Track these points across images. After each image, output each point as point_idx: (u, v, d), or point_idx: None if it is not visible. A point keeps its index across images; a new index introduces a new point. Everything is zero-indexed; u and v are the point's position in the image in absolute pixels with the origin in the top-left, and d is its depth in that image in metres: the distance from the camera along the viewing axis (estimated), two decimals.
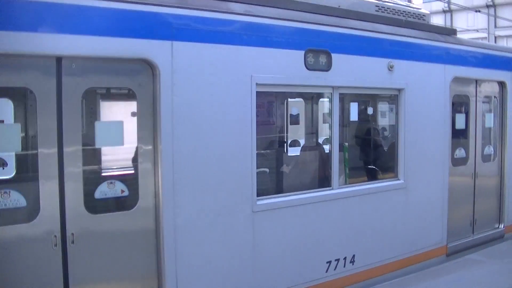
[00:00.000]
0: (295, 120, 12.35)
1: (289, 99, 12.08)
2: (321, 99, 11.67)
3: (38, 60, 6.45)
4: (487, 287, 9.38)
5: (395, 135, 10.49)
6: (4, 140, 6.43)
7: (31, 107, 6.88)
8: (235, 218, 7.85)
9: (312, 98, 11.91)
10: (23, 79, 6.40)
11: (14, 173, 7.28)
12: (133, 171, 7.38)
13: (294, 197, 8.67)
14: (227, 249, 7.79)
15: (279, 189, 9.42)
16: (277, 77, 8.29)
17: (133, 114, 7.22)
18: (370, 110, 12.34)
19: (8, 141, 6.47)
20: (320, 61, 8.77)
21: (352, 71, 9.30)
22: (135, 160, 7.27)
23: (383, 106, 12.81)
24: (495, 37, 37.78)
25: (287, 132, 12.24)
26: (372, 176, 11.12)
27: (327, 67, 8.86)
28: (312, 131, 12.24)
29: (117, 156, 8.06)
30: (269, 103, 11.54)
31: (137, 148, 7.17)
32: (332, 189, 9.17)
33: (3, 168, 7.08)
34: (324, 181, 9.57)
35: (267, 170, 9.34)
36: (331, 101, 9.20)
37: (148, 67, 7.06)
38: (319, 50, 8.75)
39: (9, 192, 6.33)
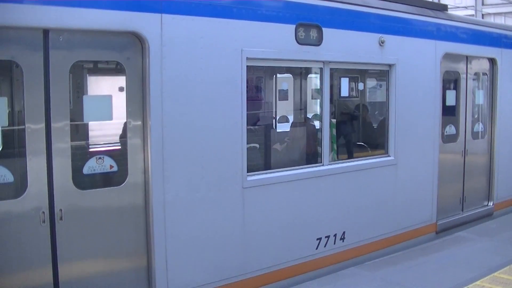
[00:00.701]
0: (283, 96, 12.25)
1: (278, 75, 11.97)
2: (309, 75, 11.54)
3: (25, 32, 6.27)
4: (477, 264, 9.31)
5: (385, 112, 10.42)
6: None
7: (17, 81, 6.72)
8: (225, 194, 7.76)
9: (301, 74, 11.78)
10: (9, 52, 6.22)
11: (0, 149, 7.09)
12: (122, 147, 7.27)
13: (285, 173, 8.59)
14: (217, 225, 7.71)
15: (268, 165, 9.35)
16: (267, 51, 8.17)
17: (121, 88, 7.08)
18: (360, 86, 12.24)
19: None
20: (311, 36, 8.66)
21: (343, 46, 9.20)
22: (124, 135, 7.15)
23: (371, 83, 12.78)
24: (483, 15, 37.70)
25: (275, 108, 12.15)
26: (360, 152, 11.04)
27: (318, 41, 8.74)
28: (301, 107, 12.11)
29: (105, 131, 7.94)
30: (257, 79, 11.43)
31: (126, 123, 7.03)
32: (323, 165, 9.10)
33: None
34: (314, 158, 9.52)
35: (257, 145, 9.23)
36: (321, 76, 9.09)
37: (137, 40, 6.91)
38: (310, 24, 8.63)
39: None
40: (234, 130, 7.80)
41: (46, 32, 6.33)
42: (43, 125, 6.36)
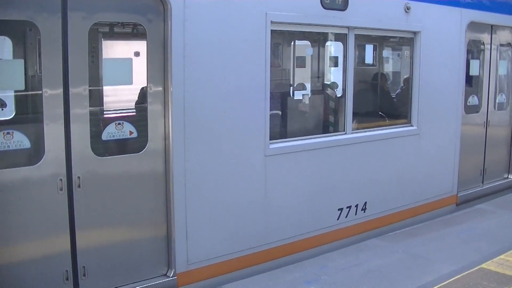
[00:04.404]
0: (301, 63, 11.99)
1: (296, 41, 11.70)
2: (328, 43, 11.28)
3: None
4: (500, 238, 9.16)
5: (406, 80, 10.23)
6: (4, 77, 6.02)
7: (31, 45, 6.55)
8: (247, 162, 7.61)
9: (319, 41, 11.51)
10: (26, 12, 5.95)
11: (13, 114, 6.86)
12: (142, 112, 7.03)
13: (308, 141, 8.43)
14: (238, 194, 7.57)
15: (289, 133, 9.13)
16: (292, 15, 7.95)
17: (141, 52, 6.84)
18: (382, 54, 11.98)
19: (8, 79, 6.07)
20: (337, 0, 8.42)
21: (369, 11, 8.97)
22: (144, 100, 6.92)
23: (389, 52, 12.52)
24: None
25: (293, 75, 11.92)
26: (378, 122, 10.82)
27: (344, 6, 8.53)
28: (319, 74, 11.87)
29: (125, 97, 7.72)
30: (275, 45, 11.18)
31: (146, 88, 6.81)
32: (346, 133, 8.93)
33: (1, 109, 6.69)
34: (332, 126, 9.38)
35: (279, 112, 9.00)
36: (346, 42, 8.86)
37: (159, 1, 6.67)
38: None
39: (12, 133, 5.97)
40: (257, 96, 7.60)
41: None
42: (61, 89, 6.13)
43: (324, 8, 8.24)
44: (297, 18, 8.02)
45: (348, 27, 8.75)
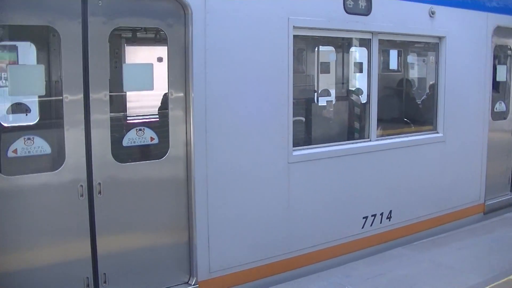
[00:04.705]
0: (325, 68, 11.88)
1: (320, 47, 11.60)
2: (352, 48, 11.16)
3: None
4: None
5: (432, 86, 10.08)
6: (26, 83, 5.98)
7: (54, 50, 6.49)
8: (270, 169, 7.51)
9: (343, 46, 11.39)
10: (46, 17, 5.92)
11: (37, 120, 6.83)
12: (163, 118, 6.97)
13: (332, 148, 8.32)
14: (261, 201, 7.47)
15: (313, 140, 9.05)
16: (315, 20, 7.85)
17: (162, 58, 6.78)
18: (407, 59, 11.83)
19: (31, 84, 6.01)
20: (360, 5, 8.35)
21: (393, 16, 8.86)
22: (165, 106, 6.87)
23: (414, 57, 12.36)
24: None
25: (317, 81, 11.80)
26: (403, 128, 10.67)
27: (367, 11, 8.43)
28: (343, 80, 11.75)
29: (146, 102, 7.67)
30: (299, 51, 11.08)
31: (167, 93, 6.75)
32: (370, 140, 8.80)
33: (26, 115, 6.71)
34: (357, 133, 9.25)
35: (303, 119, 8.89)
36: (370, 47, 8.76)
37: (179, 6, 6.62)
38: None
39: (33, 138, 5.95)
40: (280, 102, 7.51)
41: None
42: (81, 95, 6.09)
43: (347, 13, 8.14)
44: (320, 23, 7.92)
45: (371, 32, 8.64)
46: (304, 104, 9.81)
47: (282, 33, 7.44)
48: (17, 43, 6.95)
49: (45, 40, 6.79)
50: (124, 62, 7.60)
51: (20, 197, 5.90)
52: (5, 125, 6.40)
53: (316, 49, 11.53)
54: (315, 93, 11.29)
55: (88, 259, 6.31)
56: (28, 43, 6.95)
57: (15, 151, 5.86)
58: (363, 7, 8.35)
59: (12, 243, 5.92)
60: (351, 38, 9.84)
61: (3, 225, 5.84)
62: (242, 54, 7.10)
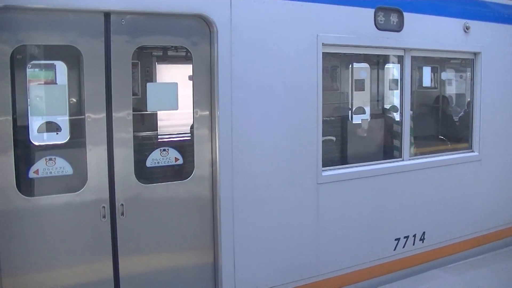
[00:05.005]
0: (360, 86, 11.71)
1: (354, 64, 11.44)
2: (387, 65, 10.98)
3: (85, 15, 5.94)
4: None
5: (469, 103, 9.82)
6: (53, 102, 6.00)
7: (77, 68, 6.50)
8: (298, 190, 7.35)
9: (378, 63, 11.22)
10: (68, 37, 5.90)
11: (68, 138, 6.75)
12: (188, 138, 6.89)
13: (362, 168, 8.14)
14: (289, 223, 7.31)
15: (343, 160, 8.84)
16: (344, 37, 7.69)
17: (187, 76, 6.69)
18: (444, 76, 11.58)
19: (55, 104, 6.03)
20: (391, 21, 8.17)
21: (426, 32, 8.65)
22: (190, 126, 6.78)
23: (451, 74, 12.10)
24: None
25: (352, 99, 11.62)
26: (440, 146, 10.42)
27: (399, 27, 8.23)
28: (378, 98, 11.56)
29: (171, 122, 7.59)
30: (332, 68, 10.94)
31: (192, 113, 6.64)
32: (403, 160, 8.60)
33: (57, 133, 6.65)
34: (392, 152, 9.01)
35: (333, 138, 8.71)
36: (402, 64, 8.59)
37: (204, 24, 6.53)
38: (390, 8, 8.13)
39: (54, 159, 5.92)
40: (308, 121, 7.36)
41: (107, 15, 6.02)
42: (103, 114, 6.04)
43: (378, 29, 7.96)
44: (350, 40, 7.76)
45: (404, 49, 8.47)
46: (338, 122, 9.65)
47: (310, 50, 7.30)
48: (56, 62, 6.97)
49: (76, 59, 6.75)
50: (151, 79, 7.51)
51: (41, 218, 5.85)
52: (36, 143, 6.37)
53: (350, 66, 11.40)
54: (350, 111, 11.16)
55: (110, 281, 6.25)
56: (59, 62, 6.96)
57: (36, 171, 5.83)
58: (394, 23, 8.17)
59: (33, 265, 5.87)
60: (387, 55, 9.63)
61: (24, 246, 5.80)
62: (269, 72, 6.98)
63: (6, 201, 5.70)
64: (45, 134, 6.53)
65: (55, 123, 6.63)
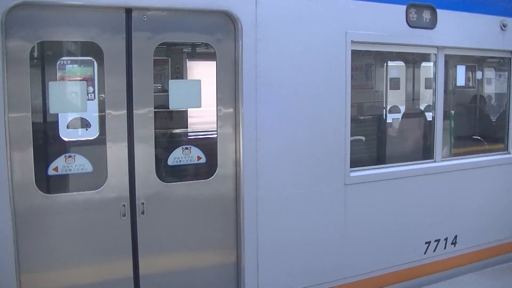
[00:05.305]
0: (395, 84, 11.50)
1: (389, 62, 11.23)
2: (423, 63, 10.75)
3: (106, 12, 5.88)
4: None
5: (506, 103, 9.60)
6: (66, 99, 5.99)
7: (98, 65, 6.49)
8: (324, 191, 7.20)
9: (414, 62, 11.00)
10: (89, 33, 5.84)
11: (97, 134, 6.69)
12: (211, 136, 6.77)
13: (392, 169, 7.95)
14: (315, 225, 7.17)
15: (387, 159, 8.75)
16: (374, 35, 7.50)
17: (211, 73, 6.58)
18: (479, 75, 11.30)
19: (70, 101, 6.03)
20: (424, 18, 7.94)
21: (460, 29, 8.41)
22: (213, 124, 6.64)
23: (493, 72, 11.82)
24: None
25: (386, 98, 11.42)
26: (477, 147, 10.15)
27: (432, 24, 8.01)
28: (414, 97, 11.33)
29: (193, 120, 7.49)
30: (366, 66, 10.76)
31: (216, 110, 6.53)
32: (435, 161, 8.40)
33: (86, 129, 6.76)
34: (425, 153, 8.80)
35: (363, 138, 8.53)
36: (435, 63, 8.38)
37: (228, 20, 6.43)
38: (423, 5, 7.91)
39: (74, 156, 5.88)
40: (336, 120, 7.20)
41: (128, 11, 5.95)
42: (124, 111, 5.97)
43: (410, 26, 7.75)
44: (380, 38, 7.57)
45: (437, 47, 8.26)
46: (375, 121, 9.57)
47: (339, 48, 7.14)
48: (93, 58, 6.94)
49: (88, 53, 6.80)
50: (174, 76, 7.44)
51: (60, 215, 5.82)
52: (66, 139, 6.41)
53: (385, 64, 11.19)
54: (384, 110, 10.96)
55: (130, 280, 6.21)
56: (90, 58, 6.94)
57: (55, 169, 5.78)
58: (427, 20, 7.95)
59: (52, 263, 5.86)
60: (423, 53, 9.41)
61: (43, 244, 5.78)
62: (296, 70, 6.83)
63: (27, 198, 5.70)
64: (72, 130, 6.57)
65: (85, 119, 6.65)
